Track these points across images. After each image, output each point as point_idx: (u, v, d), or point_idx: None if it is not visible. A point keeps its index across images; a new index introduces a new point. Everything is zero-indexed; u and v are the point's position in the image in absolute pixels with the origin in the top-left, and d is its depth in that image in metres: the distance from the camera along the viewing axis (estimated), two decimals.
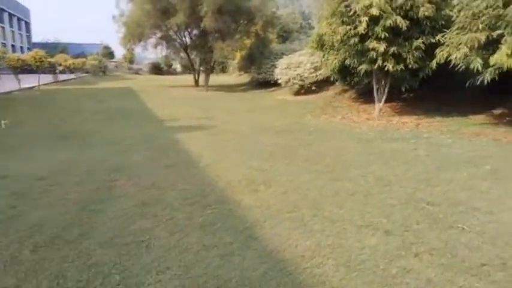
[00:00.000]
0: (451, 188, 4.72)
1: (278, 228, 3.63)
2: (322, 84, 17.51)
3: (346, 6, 9.98)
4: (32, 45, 60.85)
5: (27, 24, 62.42)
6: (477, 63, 7.89)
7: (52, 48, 52.36)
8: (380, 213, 3.98)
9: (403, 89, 11.26)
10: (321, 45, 13.16)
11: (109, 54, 57.22)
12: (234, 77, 36.83)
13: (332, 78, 14.81)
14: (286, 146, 7.14)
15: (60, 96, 17.99)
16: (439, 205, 4.18)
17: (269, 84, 21.71)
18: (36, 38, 65.47)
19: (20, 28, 58.69)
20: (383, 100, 11.29)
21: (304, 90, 17.64)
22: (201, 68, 25.84)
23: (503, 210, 4.02)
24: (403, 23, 9.18)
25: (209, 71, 24.60)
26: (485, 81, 7.94)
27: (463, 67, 8.42)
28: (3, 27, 51.05)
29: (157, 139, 7.92)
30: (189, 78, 27.95)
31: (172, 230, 3.63)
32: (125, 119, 11.11)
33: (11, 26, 54.39)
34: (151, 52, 31.51)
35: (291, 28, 36.13)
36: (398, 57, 9.90)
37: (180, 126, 9.62)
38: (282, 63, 18.19)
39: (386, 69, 10.02)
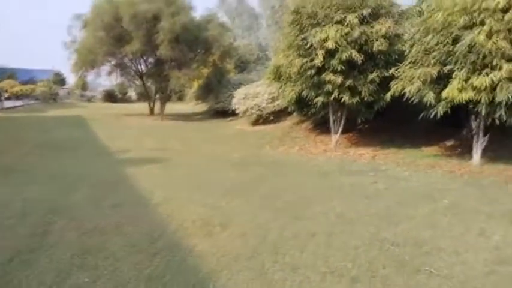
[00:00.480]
0: (413, 226, 4.58)
1: (236, 279, 3.27)
2: (279, 114, 17.54)
3: (303, 39, 10.07)
4: None
5: None
6: (430, 96, 8.10)
7: (1, 73, 49.71)
8: (344, 257, 3.73)
9: (359, 121, 11.43)
10: (278, 76, 13.23)
11: (61, 80, 54.91)
12: (191, 105, 36.33)
13: (289, 109, 14.85)
14: (244, 181, 6.84)
15: (3, 125, 16.80)
16: (403, 245, 4.00)
17: (227, 113, 21.53)
18: None
19: None
20: (339, 131, 11.36)
21: (262, 120, 17.59)
22: (157, 96, 25.32)
23: (467, 250, 3.89)
24: (358, 57, 9.35)
25: (165, 99, 24.11)
26: (438, 115, 8.14)
27: (417, 100, 8.64)
28: None
29: (105, 174, 7.35)
30: (144, 107, 27.22)
31: (116, 284, 3.18)
32: (71, 151, 10.38)
33: None
34: (105, 79, 30.63)
35: (248, 59, 36.48)
36: (354, 90, 10.04)
37: (132, 159, 9.09)
38: (239, 93, 18.12)
39: (342, 101, 10.12)
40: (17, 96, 30.49)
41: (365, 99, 10.02)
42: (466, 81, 7.46)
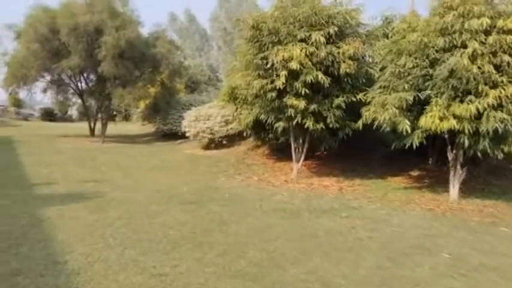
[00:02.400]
0: None
1: None
2: (233, 138, 16.35)
3: (263, 58, 9.03)
4: None
5: None
6: (405, 125, 7.26)
7: None
8: None
9: (323, 148, 10.51)
10: (233, 98, 12.13)
11: None
12: (137, 126, 34.37)
13: (245, 133, 13.72)
14: (196, 228, 5.43)
15: None
16: None
17: (176, 135, 20.04)
18: None
19: None
20: (301, 160, 10.33)
21: (214, 144, 16.28)
22: (99, 116, 23.20)
23: None
24: (325, 80, 8.43)
25: (106, 119, 22.04)
26: (414, 145, 7.33)
27: (388, 128, 7.82)
28: None
29: (12, 218, 5.57)
30: (85, 127, 24.87)
31: None
32: None
33: None
34: (43, 97, 27.97)
35: (199, 79, 35.38)
36: (318, 116, 9.10)
37: (54, 195, 7.33)
38: (190, 114, 16.73)
39: (306, 127, 9.12)
40: None
41: (330, 125, 9.10)
42: (447, 108, 6.69)
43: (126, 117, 42.00)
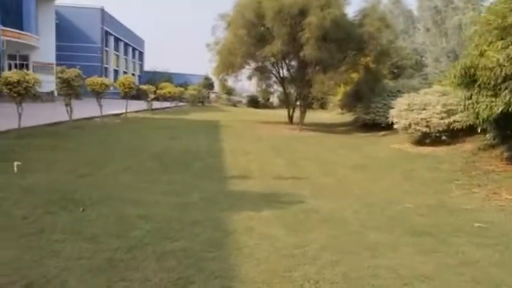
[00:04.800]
0: None
1: None
2: (455, 133, 12.94)
3: None
4: (144, 73, 64.95)
5: (141, 53, 66.39)
6: None
7: (159, 76, 54.98)
8: None
9: None
10: (469, 81, 9.03)
11: (209, 85, 57.44)
12: (333, 114, 33.19)
13: (478, 128, 10.35)
14: None
15: (136, 127, 16.07)
16: None
17: (378, 126, 17.63)
18: (150, 66, 69.30)
19: (134, 57, 62.51)
20: None
21: (429, 139, 13.22)
22: (298, 103, 22.68)
23: None
24: None
25: (305, 107, 21.23)
26: None
27: None
28: (117, 55, 54.47)
29: (193, 226, 4.39)
30: (284, 114, 24.97)
31: None
32: (181, 169, 8.01)
33: (126, 54, 58.00)
34: (249, 84, 29.57)
35: (403, 64, 31.68)
36: None
37: (248, 194, 6.15)
38: (400, 103, 14.08)
39: None
40: (165, 98, 31.50)
41: None
42: None
43: (322, 106, 41.48)
